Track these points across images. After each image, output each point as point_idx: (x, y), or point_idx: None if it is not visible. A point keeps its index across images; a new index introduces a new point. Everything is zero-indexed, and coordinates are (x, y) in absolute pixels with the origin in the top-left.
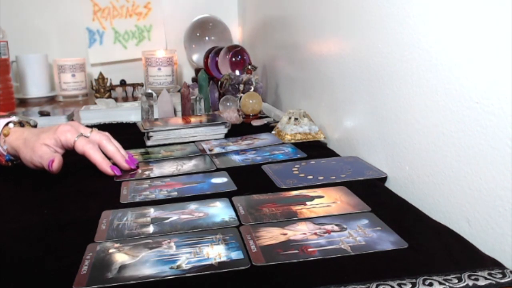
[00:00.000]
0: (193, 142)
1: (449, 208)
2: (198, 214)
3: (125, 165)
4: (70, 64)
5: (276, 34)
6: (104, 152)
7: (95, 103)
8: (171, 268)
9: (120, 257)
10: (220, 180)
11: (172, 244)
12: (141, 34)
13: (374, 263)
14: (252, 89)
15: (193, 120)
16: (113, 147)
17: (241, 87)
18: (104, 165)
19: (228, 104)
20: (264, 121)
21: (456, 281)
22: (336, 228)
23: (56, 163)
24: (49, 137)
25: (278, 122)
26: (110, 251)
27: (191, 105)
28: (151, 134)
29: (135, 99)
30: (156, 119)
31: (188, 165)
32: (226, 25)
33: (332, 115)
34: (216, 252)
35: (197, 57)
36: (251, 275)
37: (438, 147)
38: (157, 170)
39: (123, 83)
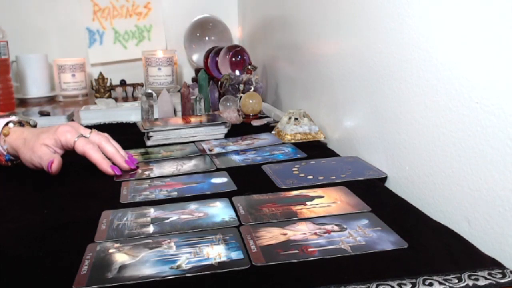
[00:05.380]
0: (193, 142)
1: (449, 208)
2: (198, 214)
3: (124, 165)
4: (70, 64)
5: (276, 34)
6: (103, 153)
7: (95, 103)
8: (171, 268)
9: (120, 257)
10: (220, 180)
11: (172, 244)
12: (141, 34)
13: (374, 263)
14: (252, 89)
15: (193, 120)
16: (112, 148)
17: (241, 87)
18: (104, 165)
19: (228, 104)
20: (264, 121)
21: (456, 281)
22: (336, 228)
23: (56, 164)
24: (49, 138)
25: (278, 122)
26: (110, 251)
27: (191, 105)
28: (151, 134)
29: (135, 99)
30: (156, 119)
31: (188, 165)
32: (226, 25)
33: (332, 115)
34: (216, 252)
35: (197, 57)
36: (251, 275)
37: (438, 147)
38: (157, 170)
39: (123, 83)
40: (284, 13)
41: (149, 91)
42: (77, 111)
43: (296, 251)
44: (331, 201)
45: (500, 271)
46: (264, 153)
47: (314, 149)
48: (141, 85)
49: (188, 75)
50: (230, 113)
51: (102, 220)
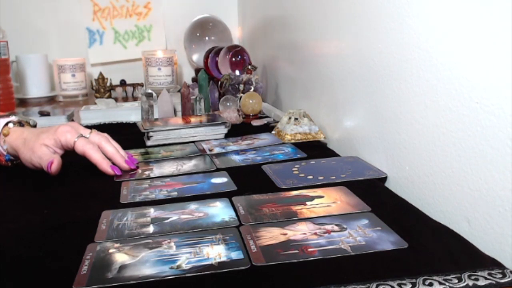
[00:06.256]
0: (193, 142)
1: (449, 208)
2: (198, 214)
3: (124, 165)
4: (70, 64)
5: (276, 34)
6: (103, 153)
7: (95, 103)
8: (171, 268)
9: (120, 257)
10: (220, 180)
11: (172, 244)
12: (141, 34)
13: (374, 263)
14: (252, 89)
15: (193, 120)
16: (112, 148)
17: (241, 87)
18: (104, 165)
19: (228, 104)
20: (264, 121)
21: (456, 281)
22: (336, 228)
23: (55, 165)
24: (48, 138)
25: (278, 122)
26: (110, 251)
27: (191, 105)
28: (151, 134)
29: (135, 99)
30: (156, 119)
31: (188, 165)
32: (226, 25)
33: (332, 115)
34: (216, 252)
35: (197, 57)
36: (251, 275)
37: (438, 147)
38: (157, 170)
39: (123, 83)
40: (284, 13)
41: (149, 91)
42: (77, 111)
43: (296, 251)
44: (331, 201)
45: (500, 271)
46: (264, 153)
47: (314, 149)
48: (141, 85)
49: (188, 75)
50: (230, 113)
51: (102, 220)
